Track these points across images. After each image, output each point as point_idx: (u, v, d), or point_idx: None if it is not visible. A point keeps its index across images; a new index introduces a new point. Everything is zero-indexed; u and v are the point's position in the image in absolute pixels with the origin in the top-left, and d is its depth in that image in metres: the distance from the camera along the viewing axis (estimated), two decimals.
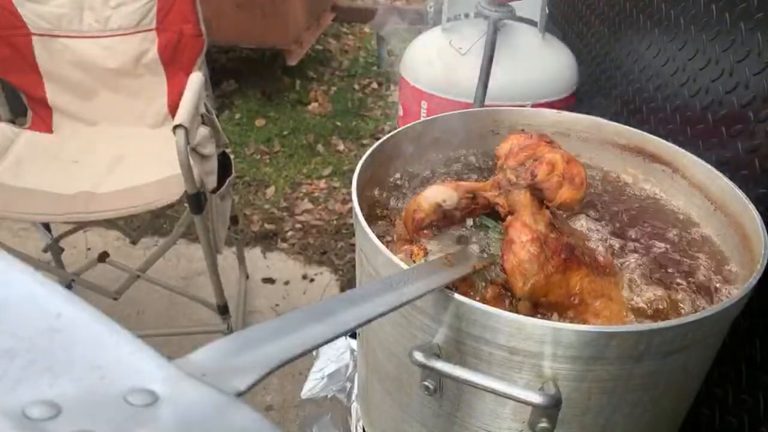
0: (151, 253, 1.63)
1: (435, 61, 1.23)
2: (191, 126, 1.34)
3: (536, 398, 0.49)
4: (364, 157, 0.70)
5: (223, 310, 1.66)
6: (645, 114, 1.04)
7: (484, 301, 0.56)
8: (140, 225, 2.05)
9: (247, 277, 2.02)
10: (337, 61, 3.59)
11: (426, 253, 0.62)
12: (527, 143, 0.63)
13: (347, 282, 2.05)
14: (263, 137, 2.84)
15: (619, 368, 0.51)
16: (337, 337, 0.36)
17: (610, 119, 0.82)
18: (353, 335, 0.99)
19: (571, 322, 0.57)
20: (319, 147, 2.79)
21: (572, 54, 1.27)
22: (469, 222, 0.67)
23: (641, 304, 0.60)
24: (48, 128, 1.75)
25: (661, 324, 0.50)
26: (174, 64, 1.72)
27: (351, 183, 0.66)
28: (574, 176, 0.59)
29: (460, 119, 0.82)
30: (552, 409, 0.50)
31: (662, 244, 0.68)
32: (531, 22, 1.23)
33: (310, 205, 2.41)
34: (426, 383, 0.57)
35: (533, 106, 0.87)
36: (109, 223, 1.99)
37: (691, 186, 0.74)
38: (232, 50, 3.45)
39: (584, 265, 0.58)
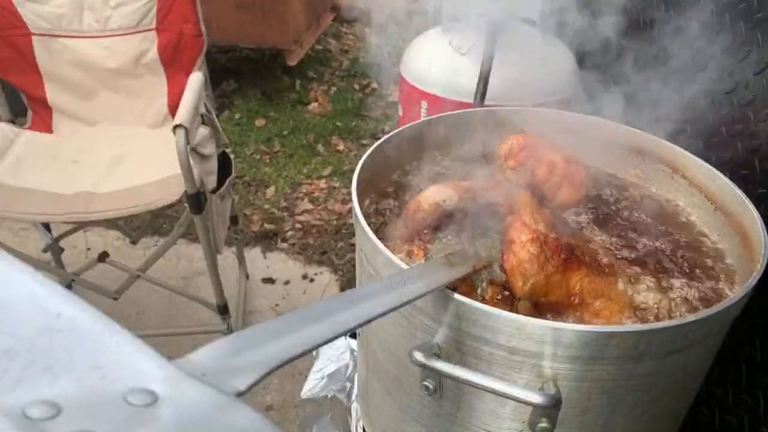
0: (151, 253, 1.63)
1: (435, 61, 1.23)
2: (191, 126, 1.34)
3: (536, 398, 0.49)
4: (364, 157, 0.70)
5: (223, 310, 1.66)
6: (645, 114, 1.04)
7: (484, 301, 0.56)
8: (140, 225, 2.05)
9: (247, 277, 2.02)
10: (337, 61, 3.59)
11: (426, 253, 0.62)
12: (527, 143, 0.63)
13: (347, 282, 2.05)
14: (263, 137, 2.84)
15: (618, 368, 0.51)
16: (337, 337, 0.36)
17: (610, 119, 0.82)
18: (353, 335, 0.99)
19: (571, 322, 0.57)
20: (319, 147, 2.79)
21: (572, 54, 1.27)
22: (469, 222, 0.67)
23: (641, 304, 0.60)
24: (48, 128, 1.75)
25: (661, 324, 0.50)
26: (174, 64, 1.72)
27: (351, 183, 0.66)
28: (573, 176, 0.59)
29: (460, 119, 0.82)
30: (552, 409, 0.50)
31: (662, 244, 0.68)
32: (531, 22, 1.23)
33: (310, 205, 2.41)
34: (426, 383, 0.57)
35: (533, 106, 0.87)
36: (109, 223, 1.99)
37: (691, 186, 0.74)
38: (232, 50, 3.45)
39: (584, 265, 0.58)
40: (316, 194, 2.48)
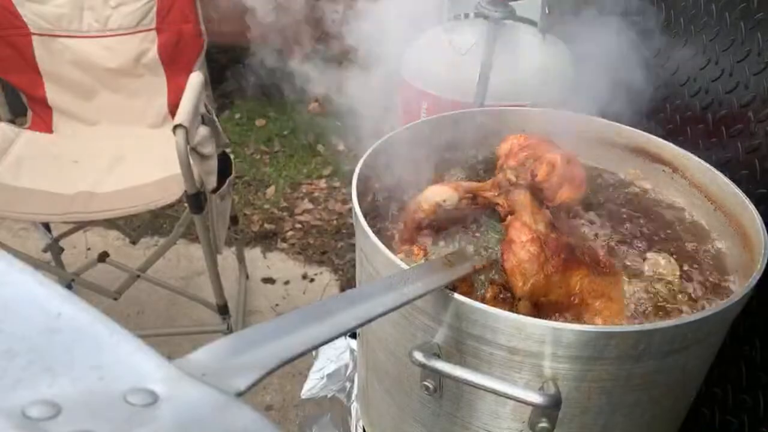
0: (151, 253, 1.63)
1: (435, 61, 1.23)
2: (191, 126, 1.34)
3: (536, 398, 0.49)
4: (364, 157, 0.70)
5: (223, 310, 1.66)
6: (644, 114, 1.04)
7: (484, 301, 0.56)
8: (140, 225, 2.05)
9: (247, 277, 2.02)
10: None
11: (426, 253, 0.62)
12: (527, 143, 0.63)
13: (347, 282, 2.05)
14: (263, 137, 2.84)
15: (618, 368, 0.51)
16: (337, 337, 0.36)
17: (610, 119, 0.82)
18: (353, 335, 0.99)
19: (571, 322, 0.57)
20: (319, 147, 2.79)
21: (572, 54, 1.27)
22: (469, 222, 0.67)
23: (640, 304, 0.60)
24: (48, 128, 1.75)
25: (661, 324, 0.50)
26: (174, 64, 1.73)
27: (351, 183, 0.66)
28: (574, 176, 0.59)
29: (460, 119, 0.82)
30: (552, 409, 0.50)
31: (661, 244, 0.68)
32: (531, 22, 1.23)
33: (310, 205, 2.41)
34: (426, 383, 0.57)
35: (533, 106, 0.87)
36: (109, 223, 1.99)
37: (691, 186, 0.74)
38: (232, 50, 3.45)
39: (584, 265, 0.58)
40: (316, 194, 2.48)
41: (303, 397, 0.99)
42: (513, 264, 0.56)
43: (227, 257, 2.02)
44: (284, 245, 2.21)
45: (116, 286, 1.64)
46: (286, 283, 2.05)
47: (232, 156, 1.70)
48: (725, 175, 0.69)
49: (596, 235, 0.68)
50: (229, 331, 1.70)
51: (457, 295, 0.51)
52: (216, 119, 1.56)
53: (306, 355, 0.33)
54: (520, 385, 0.51)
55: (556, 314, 0.58)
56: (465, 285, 0.57)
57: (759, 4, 0.75)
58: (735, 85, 0.79)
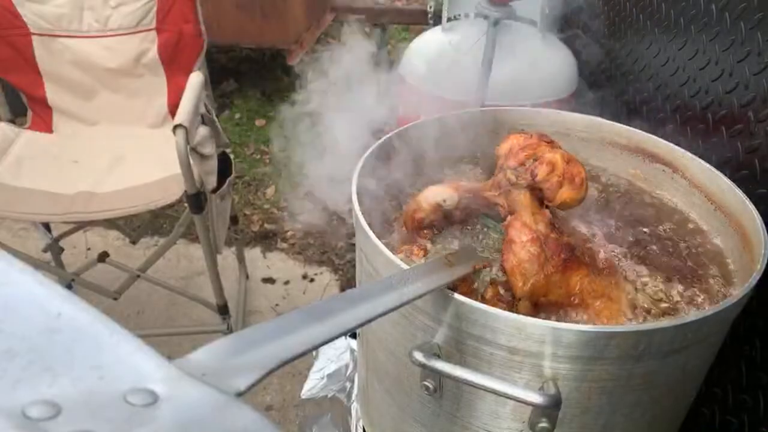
0: (151, 253, 1.63)
1: (435, 61, 1.23)
2: (191, 126, 1.34)
3: (536, 398, 0.49)
4: (364, 157, 0.70)
5: (223, 310, 1.66)
6: (645, 114, 1.04)
7: (484, 301, 0.56)
8: (140, 225, 2.05)
9: (247, 277, 2.02)
10: None
11: (426, 253, 0.62)
12: (527, 143, 0.62)
13: (347, 282, 2.05)
14: (263, 137, 2.83)
15: (618, 368, 0.51)
16: (337, 337, 0.36)
17: (610, 119, 0.82)
18: (353, 335, 0.99)
19: (571, 322, 0.57)
20: None
21: (572, 54, 1.27)
22: (469, 222, 0.67)
23: (641, 304, 0.60)
24: (48, 128, 1.75)
25: (661, 324, 0.50)
26: (174, 64, 1.72)
27: (351, 183, 0.66)
28: (574, 176, 0.59)
29: (460, 119, 0.82)
30: (552, 409, 0.50)
31: (662, 244, 0.68)
32: (531, 22, 1.23)
33: (310, 205, 2.41)
34: (426, 383, 0.57)
35: (533, 106, 0.87)
36: (109, 223, 1.99)
37: (691, 186, 0.74)
38: (232, 50, 3.45)
39: (584, 265, 0.58)
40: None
41: (303, 397, 0.99)
42: (513, 264, 0.56)
43: (227, 257, 2.02)
44: (284, 245, 2.21)
45: (116, 286, 1.64)
46: (286, 283, 2.05)
47: (232, 156, 1.70)
48: (725, 175, 0.69)
49: (594, 235, 0.68)
50: (229, 331, 1.70)
51: (457, 295, 0.51)
52: (216, 119, 1.56)
53: (306, 355, 0.33)
54: (520, 385, 0.51)
55: (557, 314, 0.58)
56: (465, 285, 0.57)
57: (759, 4, 0.75)
58: (735, 85, 0.79)
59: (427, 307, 0.54)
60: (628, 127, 0.80)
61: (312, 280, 2.06)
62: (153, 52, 1.72)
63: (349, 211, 0.62)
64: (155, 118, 1.77)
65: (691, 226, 0.72)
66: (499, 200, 0.62)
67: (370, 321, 0.39)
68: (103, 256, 1.77)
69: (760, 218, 0.62)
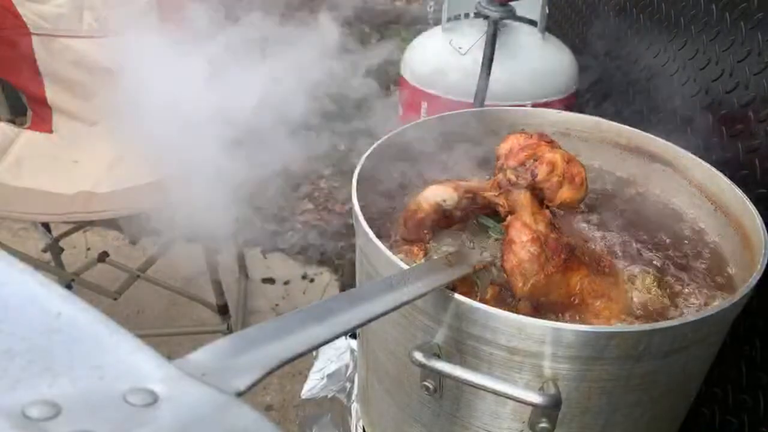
0: (151, 253, 1.63)
1: (435, 61, 1.23)
2: None
3: (536, 398, 0.49)
4: (364, 157, 0.70)
5: (223, 310, 1.66)
6: (645, 114, 1.04)
7: (484, 301, 0.56)
8: (140, 225, 2.05)
9: (247, 277, 2.02)
10: None
11: (426, 253, 0.62)
12: (527, 143, 0.62)
13: (347, 282, 2.05)
14: None
15: (618, 368, 0.51)
16: (337, 337, 0.36)
17: (610, 119, 0.82)
18: (353, 335, 0.99)
19: (571, 322, 0.57)
20: None
21: (572, 54, 1.27)
22: (469, 222, 0.67)
23: (641, 304, 0.60)
24: (48, 128, 1.75)
25: (661, 324, 0.49)
26: None
27: (351, 183, 0.66)
28: (574, 176, 0.59)
29: (460, 119, 0.82)
30: (552, 409, 0.50)
31: (662, 244, 0.68)
32: (531, 22, 1.23)
33: (310, 205, 2.41)
34: (426, 383, 0.57)
35: (533, 106, 0.87)
36: (109, 223, 1.99)
37: (691, 186, 0.74)
38: None
39: (584, 265, 0.58)
40: (316, 194, 2.48)
41: (303, 397, 0.99)
42: (513, 264, 0.56)
43: (227, 257, 2.02)
44: (284, 245, 2.21)
45: (116, 286, 1.64)
46: (286, 283, 2.05)
47: None
48: (725, 175, 0.69)
49: (594, 235, 0.68)
50: (229, 331, 1.70)
51: (457, 295, 0.51)
52: None
53: (306, 355, 0.33)
54: (520, 386, 0.51)
55: (557, 314, 0.58)
56: (465, 285, 0.57)
57: (759, 4, 0.75)
58: (735, 85, 0.79)
59: (427, 307, 0.54)
60: (628, 127, 0.80)
61: (312, 280, 2.06)
62: None
63: (349, 211, 0.62)
64: None
65: (691, 226, 0.72)
66: (499, 200, 0.62)
67: (370, 321, 0.39)
68: (103, 256, 1.77)
69: (760, 218, 0.62)
